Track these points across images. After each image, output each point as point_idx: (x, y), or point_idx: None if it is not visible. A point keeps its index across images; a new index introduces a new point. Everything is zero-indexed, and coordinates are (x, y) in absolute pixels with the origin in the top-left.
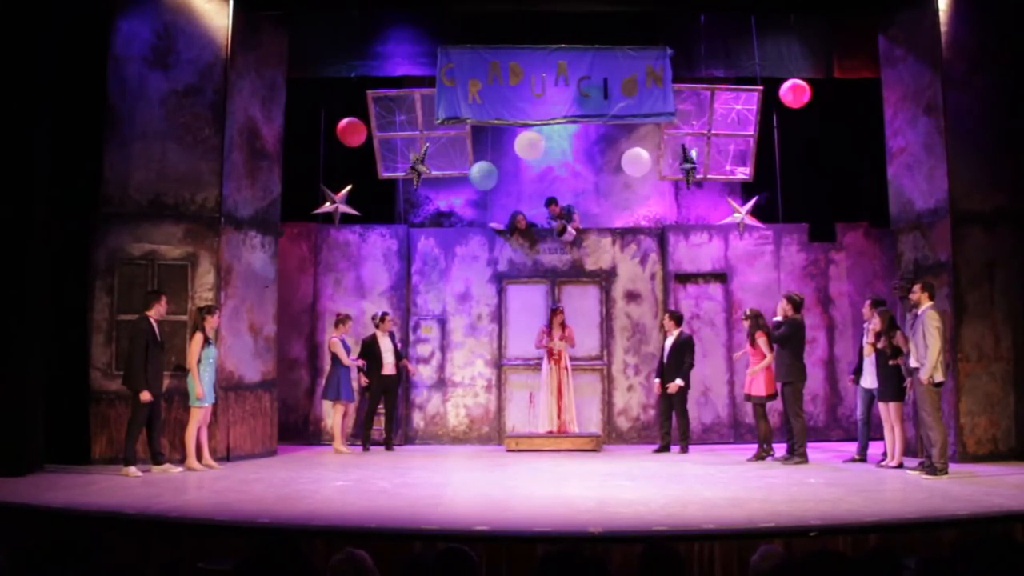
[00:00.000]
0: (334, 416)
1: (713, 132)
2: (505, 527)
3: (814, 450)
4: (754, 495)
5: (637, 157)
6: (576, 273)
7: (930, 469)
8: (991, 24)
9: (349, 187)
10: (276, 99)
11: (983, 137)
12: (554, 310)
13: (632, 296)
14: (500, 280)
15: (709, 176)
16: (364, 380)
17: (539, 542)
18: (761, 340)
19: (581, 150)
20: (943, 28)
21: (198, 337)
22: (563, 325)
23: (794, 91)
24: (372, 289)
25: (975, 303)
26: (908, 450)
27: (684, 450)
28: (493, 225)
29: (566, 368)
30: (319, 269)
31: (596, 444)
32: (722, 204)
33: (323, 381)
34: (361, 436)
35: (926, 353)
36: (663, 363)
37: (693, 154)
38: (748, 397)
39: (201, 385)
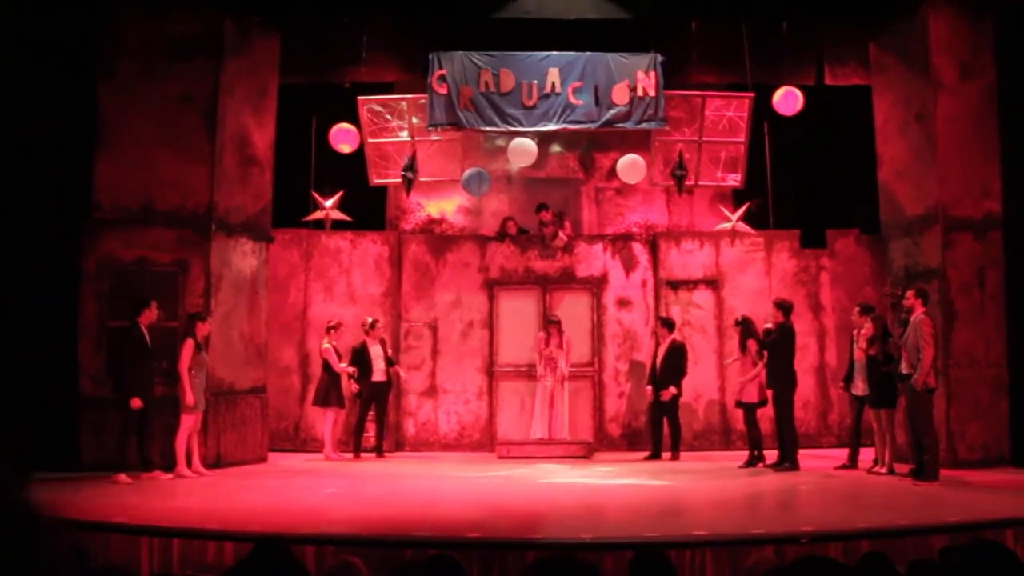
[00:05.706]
0: (325, 423)
1: (704, 139)
2: (497, 534)
3: (805, 457)
4: (745, 502)
5: (633, 164)
6: (567, 279)
7: (921, 475)
8: (980, 32)
9: (340, 193)
10: (267, 105)
11: (973, 144)
12: (548, 322)
13: (623, 303)
14: (491, 287)
15: (700, 183)
16: (355, 387)
17: (530, 548)
18: (752, 347)
19: (572, 156)
20: (933, 36)
21: (189, 344)
22: (560, 333)
23: (787, 99)
24: (363, 296)
25: (966, 309)
26: (899, 456)
27: (675, 457)
28: (484, 232)
29: (561, 377)
30: (310, 275)
31: (587, 451)
32: (713, 211)
33: (314, 388)
34: (352, 443)
35: (919, 359)
36: (655, 370)
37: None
38: (739, 403)
39: (191, 392)
